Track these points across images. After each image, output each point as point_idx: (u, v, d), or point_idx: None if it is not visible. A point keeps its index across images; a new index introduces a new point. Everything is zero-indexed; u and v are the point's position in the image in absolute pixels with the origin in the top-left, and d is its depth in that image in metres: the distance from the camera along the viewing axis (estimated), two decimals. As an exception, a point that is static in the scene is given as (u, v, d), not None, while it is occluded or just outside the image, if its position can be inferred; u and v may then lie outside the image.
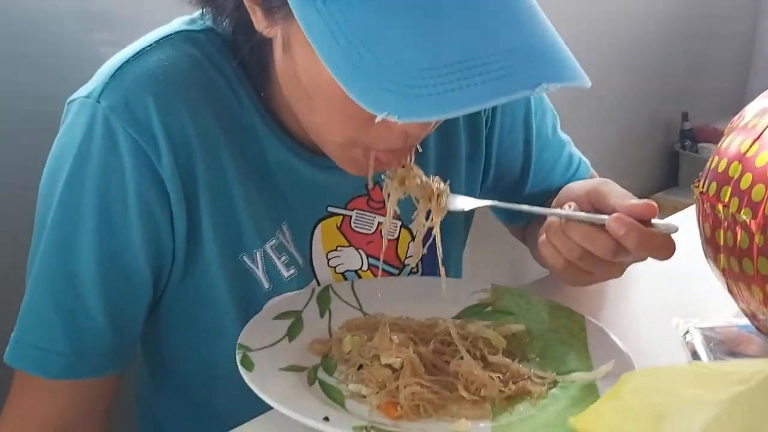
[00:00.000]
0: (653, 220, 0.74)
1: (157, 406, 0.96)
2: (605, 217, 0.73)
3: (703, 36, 2.67)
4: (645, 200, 0.74)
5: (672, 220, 1.18)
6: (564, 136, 1.06)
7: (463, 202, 0.79)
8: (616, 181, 0.92)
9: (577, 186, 0.85)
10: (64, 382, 0.78)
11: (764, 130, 0.74)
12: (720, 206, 0.73)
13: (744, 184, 0.73)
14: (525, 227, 1.09)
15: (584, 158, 1.06)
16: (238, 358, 0.70)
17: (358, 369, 0.73)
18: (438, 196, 0.77)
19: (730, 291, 0.79)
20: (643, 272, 1.01)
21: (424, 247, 0.91)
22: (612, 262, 0.75)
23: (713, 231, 0.76)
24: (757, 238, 0.71)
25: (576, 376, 0.74)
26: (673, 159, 2.67)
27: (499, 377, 0.72)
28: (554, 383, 0.74)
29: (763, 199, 0.71)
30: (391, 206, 0.79)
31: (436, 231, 0.78)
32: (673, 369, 0.51)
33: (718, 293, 0.82)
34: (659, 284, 1.01)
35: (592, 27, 2.12)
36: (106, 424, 0.83)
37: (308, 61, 0.69)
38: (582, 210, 0.76)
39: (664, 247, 0.73)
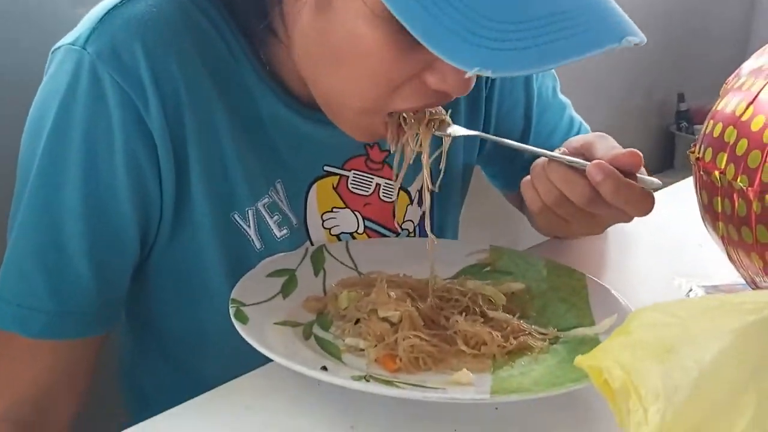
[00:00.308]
0: (638, 175, 0.75)
1: (142, 376, 0.96)
2: (587, 162, 0.74)
3: (699, 13, 2.69)
4: (630, 149, 0.75)
5: (673, 188, 1.21)
6: (564, 99, 1.07)
7: (451, 130, 0.79)
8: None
9: (574, 139, 0.86)
10: (46, 342, 0.78)
11: (759, 92, 0.74)
12: (716, 173, 0.74)
13: (740, 149, 0.73)
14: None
15: (584, 122, 1.08)
16: (231, 311, 0.71)
17: (355, 324, 0.74)
18: (429, 121, 0.77)
19: (730, 258, 0.80)
20: (644, 236, 1.04)
21: (417, 206, 0.93)
22: (590, 213, 0.76)
23: (710, 198, 0.76)
24: (754, 206, 0.71)
25: (578, 331, 0.75)
26: (668, 141, 2.70)
27: (498, 333, 0.74)
28: (555, 339, 0.75)
29: (759, 165, 0.71)
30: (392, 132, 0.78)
31: (425, 159, 0.78)
32: (682, 302, 0.52)
33: (719, 256, 0.83)
34: (660, 248, 1.03)
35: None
36: (90, 383, 0.83)
37: (352, 21, 0.69)
38: None
39: (642, 202, 0.75)
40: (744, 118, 0.74)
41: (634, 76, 2.52)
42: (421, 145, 0.77)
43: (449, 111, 0.79)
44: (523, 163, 1.04)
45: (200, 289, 0.85)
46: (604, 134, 0.85)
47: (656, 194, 1.08)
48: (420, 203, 0.96)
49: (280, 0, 0.76)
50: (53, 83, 0.76)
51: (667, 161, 2.69)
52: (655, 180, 0.75)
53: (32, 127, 0.78)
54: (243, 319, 0.70)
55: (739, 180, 0.72)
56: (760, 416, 0.45)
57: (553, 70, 1.05)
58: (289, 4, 0.76)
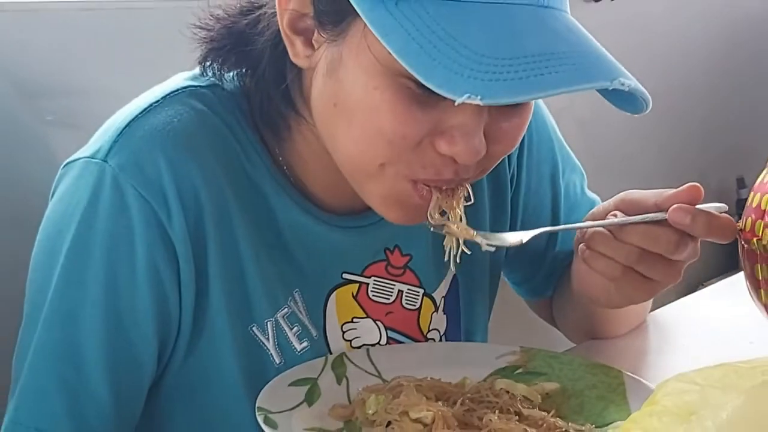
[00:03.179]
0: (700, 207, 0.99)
1: None
2: (661, 214, 0.97)
3: (759, 83, 2.92)
4: (688, 184, 0.98)
5: (722, 285, 1.47)
6: (593, 196, 1.29)
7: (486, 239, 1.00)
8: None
9: (599, 209, 1.07)
10: None
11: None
12: (754, 240, 0.97)
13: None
14: (551, 299, 1.31)
15: None
16: (259, 419, 0.91)
17: (387, 426, 0.93)
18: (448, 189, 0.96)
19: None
20: (688, 333, 1.27)
21: (443, 314, 1.15)
22: (671, 262, 0.98)
23: (752, 266, 1.00)
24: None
25: (615, 425, 0.96)
26: (730, 235, 2.86)
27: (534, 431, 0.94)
28: (593, 434, 0.95)
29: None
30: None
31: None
32: (701, 371, 0.74)
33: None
34: (704, 345, 1.24)
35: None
36: None
37: (362, 77, 0.89)
38: None
39: (727, 227, 0.98)
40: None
41: (684, 157, 2.70)
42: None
43: (471, 202, 1.00)
44: (548, 269, 1.26)
45: (215, 408, 1.04)
46: (629, 191, 1.06)
47: (705, 291, 1.31)
48: (445, 311, 1.17)
49: (300, 75, 0.98)
50: (71, 198, 0.96)
51: (730, 261, 2.85)
52: (719, 204, 1.00)
53: (47, 246, 0.98)
54: (273, 425, 0.91)
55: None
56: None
57: (578, 162, 1.29)
58: (307, 78, 0.98)
